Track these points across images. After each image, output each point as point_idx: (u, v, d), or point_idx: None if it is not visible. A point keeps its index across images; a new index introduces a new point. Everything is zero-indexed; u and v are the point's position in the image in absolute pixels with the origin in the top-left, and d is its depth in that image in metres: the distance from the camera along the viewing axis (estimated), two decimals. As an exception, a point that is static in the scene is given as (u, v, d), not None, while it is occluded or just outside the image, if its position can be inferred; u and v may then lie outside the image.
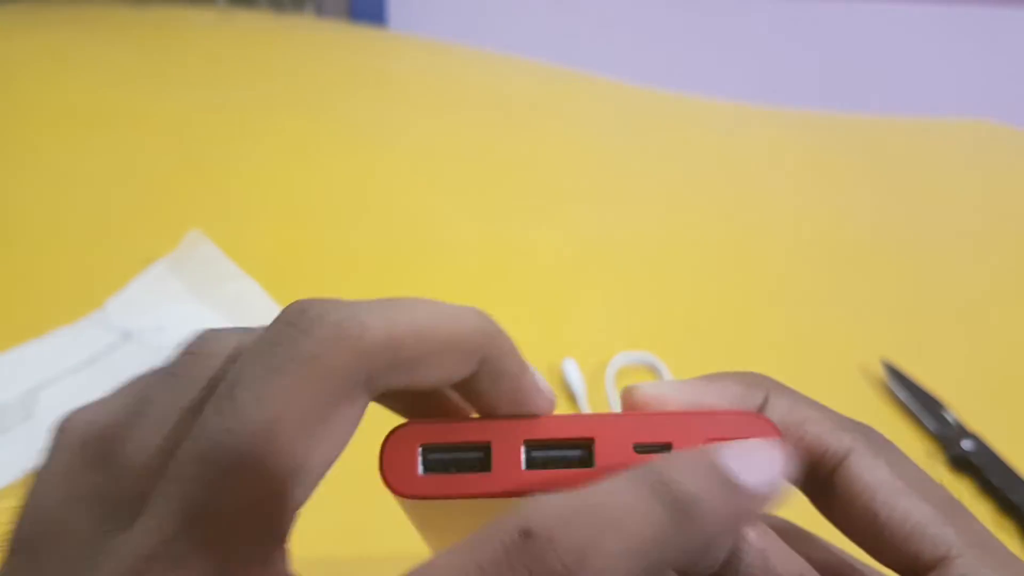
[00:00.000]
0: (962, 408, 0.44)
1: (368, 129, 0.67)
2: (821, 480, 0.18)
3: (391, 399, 0.19)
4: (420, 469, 0.17)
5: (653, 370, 0.45)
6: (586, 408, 0.41)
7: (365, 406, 0.16)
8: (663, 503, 0.14)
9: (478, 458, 0.17)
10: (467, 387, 0.18)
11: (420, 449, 0.17)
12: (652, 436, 0.17)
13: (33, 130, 0.60)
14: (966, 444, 0.41)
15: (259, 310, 0.44)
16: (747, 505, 0.15)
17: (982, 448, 0.41)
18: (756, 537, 0.16)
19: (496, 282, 0.50)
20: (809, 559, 0.17)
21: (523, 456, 0.17)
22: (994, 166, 0.75)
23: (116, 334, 0.41)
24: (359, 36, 0.95)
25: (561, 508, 0.14)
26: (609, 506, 0.14)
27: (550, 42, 1.40)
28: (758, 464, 0.15)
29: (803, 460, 0.18)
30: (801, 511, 0.20)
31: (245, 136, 0.63)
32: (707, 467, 0.15)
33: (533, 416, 0.18)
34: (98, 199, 0.54)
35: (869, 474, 0.18)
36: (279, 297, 0.45)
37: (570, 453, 0.17)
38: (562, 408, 0.41)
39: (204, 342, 0.17)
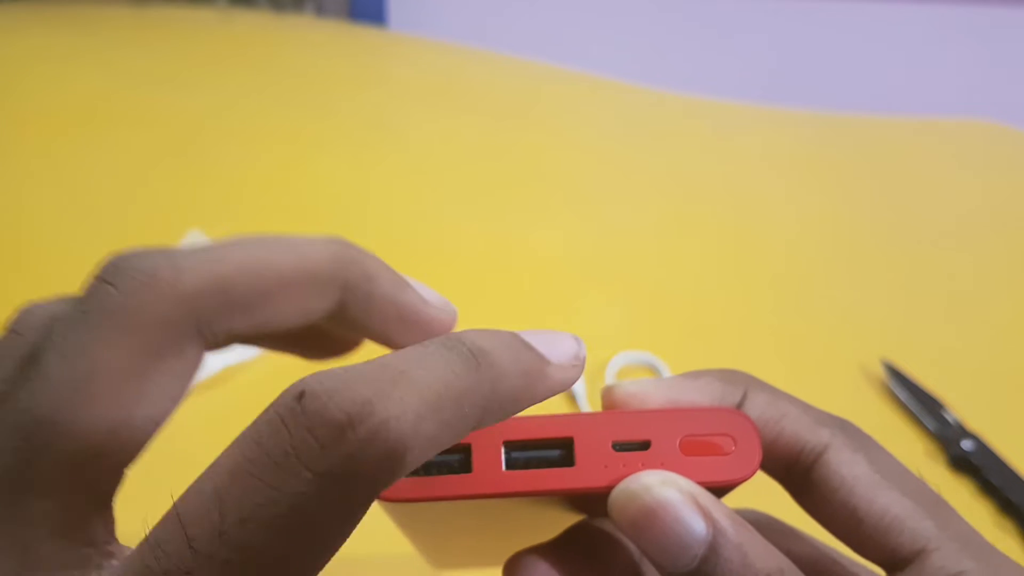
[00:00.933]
0: (962, 408, 0.44)
1: (368, 129, 0.67)
2: (800, 475, 0.18)
3: (261, 340, 0.18)
4: None
5: (653, 370, 0.45)
6: (586, 407, 0.41)
7: (199, 354, 0.15)
8: (457, 353, 0.14)
9: (458, 460, 0.17)
10: (342, 318, 0.17)
11: None
12: (630, 434, 0.18)
13: (32, 130, 0.60)
14: (966, 444, 0.41)
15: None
16: (537, 365, 0.15)
17: (982, 448, 0.41)
18: (734, 532, 0.16)
19: (496, 282, 0.50)
20: (790, 553, 0.17)
21: (503, 457, 0.17)
22: (994, 166, 0.75)
23: (116, 334, 0.41)
24: (359, 36, 0.95)
25: (341, 370, 0.13)
26: (397, 360, 0.13)
27: (550, 42, 1.40)
28: (552, 339, 0.16)
29: (782, 456, 0.18)
30: (783, 505, 0.20)
31: (245, 136, 0.63)
32: (499, 332, 0.15)
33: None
34: (98, 199, 0.54)
35: (847, 469, 0.18)
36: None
37: (550, 453, 0.17)
38: (562, 407, 0.41)
39: (19, 319, 0.16)
